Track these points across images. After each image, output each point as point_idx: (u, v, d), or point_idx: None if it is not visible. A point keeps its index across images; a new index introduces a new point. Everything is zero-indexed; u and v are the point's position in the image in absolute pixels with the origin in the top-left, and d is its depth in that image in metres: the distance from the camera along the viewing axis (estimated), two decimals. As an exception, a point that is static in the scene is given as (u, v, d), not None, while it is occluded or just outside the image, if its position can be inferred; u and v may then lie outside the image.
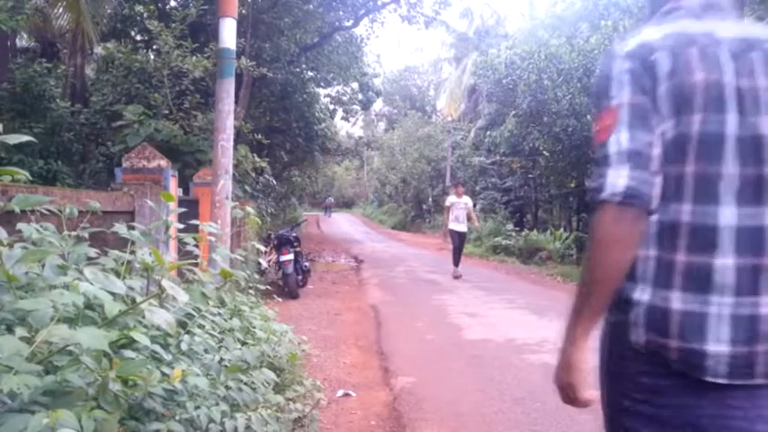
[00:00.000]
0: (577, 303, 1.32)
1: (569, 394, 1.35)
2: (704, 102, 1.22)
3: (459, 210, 10.98)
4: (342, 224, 35.75)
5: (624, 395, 1.33)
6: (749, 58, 1.26)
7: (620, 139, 1.24)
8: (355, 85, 20.45)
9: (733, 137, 1.22)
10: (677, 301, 1.23)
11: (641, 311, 1.27)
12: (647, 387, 1.28)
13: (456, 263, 11.04)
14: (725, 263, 1.22)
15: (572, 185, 16.17)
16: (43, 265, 1.70)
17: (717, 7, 1.34)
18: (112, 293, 1.54)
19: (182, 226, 2.52)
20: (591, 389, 1.33)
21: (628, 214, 1.22)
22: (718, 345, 1.20)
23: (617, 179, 1.22)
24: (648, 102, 1.24)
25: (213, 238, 2.69)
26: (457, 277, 10.74)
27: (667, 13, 1.37)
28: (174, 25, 8.90)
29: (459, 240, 11.10)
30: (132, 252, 1.99)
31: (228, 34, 4.37)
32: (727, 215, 1.22)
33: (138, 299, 1.71)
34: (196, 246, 2.42)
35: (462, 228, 11.05)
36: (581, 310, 1.31)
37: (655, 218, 1.26)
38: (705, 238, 1.22)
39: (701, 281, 1.23)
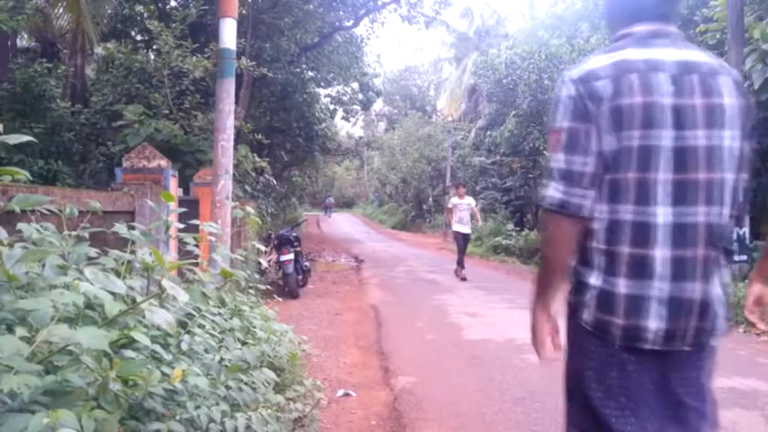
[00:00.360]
0: (536, 285, 1.67)
1: (537, 347, 1.70)
2: (642, 120, 1.45)
3: (463, 211, 10.88)
4: (342, 224, 35.75)
5: (582, 364, 1.60)
6: (688, 79, 1.49)
7: (559, 159, 1.52)
8: (355, 85, 20.45)
9: (668, 148, 1.46)
10: (623, 286, 1.50)
11: (594, 294, 1.54)
12: (597, 358, 1.56)
13: (461, 264, 10.96)
14: (663, 254, 1.48)
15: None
16: (43, 265, 1.70)
17: (663, 35, 1.55)
18: (113, 293, 1.54)
19: (182, 226, 2.52)
20: (548, 349, 1.69)
21: (562, 221, 1.53)
22: (657, 321, 1.48)
23: (554, 193, 1.52)
24: (586, 126, 1.49)
25: (213, 238, 2.69)
26: (463, 279, 10.66)
27: (620, 39, 1.59)
28: (174, 25, 8.90)
29: (463, 242, 11.02)
30: (132, 252, 1.99)
31: (229, 34, 4.37)
32: (663, 214, 1.47)
33: (139, 299, 1.71)
34: (196, 246, 2.42)
35: (466, 229, 10.98)
36: (538, 290, 1.66)
37: (605, 216, 1.52)
38: (645, 234, 1.48)
39: (642, 269, 1.49)
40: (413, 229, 30.14)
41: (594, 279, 1.54)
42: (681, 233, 1.48)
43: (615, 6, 1.67)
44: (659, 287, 1.48)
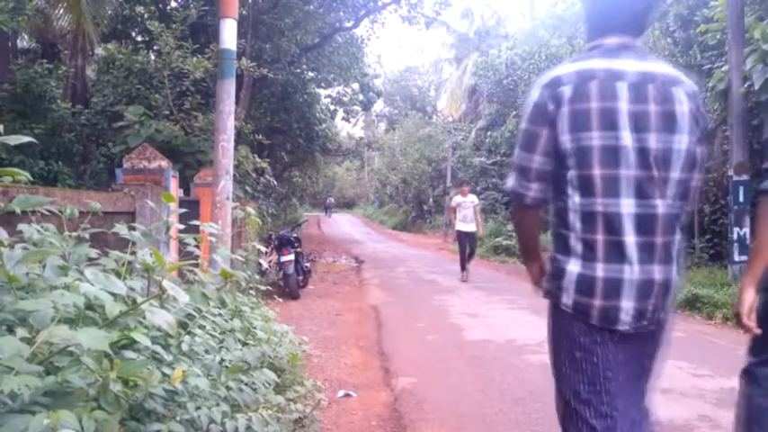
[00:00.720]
0: (521, 254, 2.06)
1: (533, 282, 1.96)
2: (600, 122, 1.64)
3: (467, 209, 10.70)
4: (342, 225, 35.75)
5: (560, 344, 1.79)
6: (646, 88, 1.67)
7: (516, 155, 1.78)
8: (356, 86, 20.45)
9: (629, 148, 1.64)
10: (600, 270, 1.67)
11: (573, 279, 1.71)
12: (573, 338, 1.73)
13: (463, 266, 10.80)
14: (631, 240, 1.65)
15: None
16: (44, 266, 1.70)
17: (629, 48, 1.73)
18: (113, 294, 1.54)
19: (182, 226, 2.52)
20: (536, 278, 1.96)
21: (518, 207, 1.86)
22: (628, 301, 1.66)
23: (510, 182, 1.81)
24: (540, 129, 1.71)
25: (214, 239, 2.69)
26: (464, 281, 10.59)
27: (592, 49, 1.78)
28: (174, 26, 8.90)
29: (468, 241, 10.78)
30: (133, 253, 1.99)
31: (229, 35, 4.37)
32: (628, 205, 1.65)
33: (139, 299, 1.71)
34: (197, 246, 2.42)
35: (471, 227, 10.74)
36: (523, 256, 2.03)
37: (578, 208, 1.69)
38: (617, 222, 1.65)
39: (617, 254, 1.66)
40: (413, 230, 30.13)
41: (573, 265, 1.71)
42: (644, 222, 1.67)
43: (591, 21, 1.84)
44: (630, 270, 1.66)
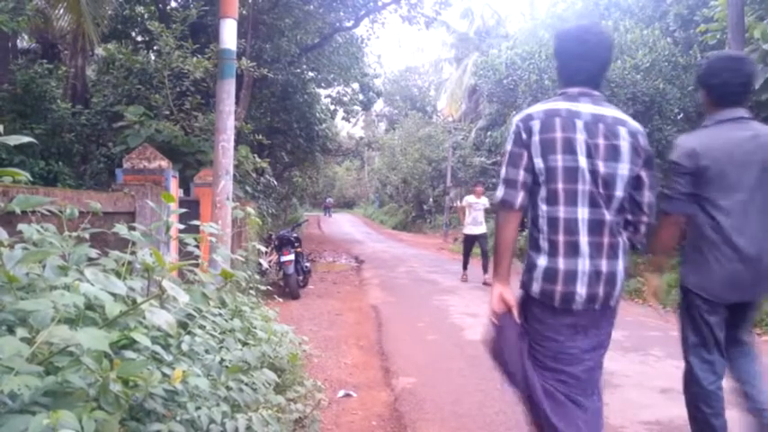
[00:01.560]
0: (494, 261, 2.32)
1: (493, 310, 2.28)
2: (562, 148, 2.12)
3: (478, 211, 10.50)
4: (343, 225, 35.75)
5: (530, 324, 2.26)
6: (596, 125, 2.16)
7: (504, 172, 2.22)
8: (356, 86, 20.43)
9: (584, 168, 2.11)
10: (562, 263, 2.14)
11: (541, 271, 2.17)
12: (539, 319, 2.23)
13: (465, 266, 10.69)
14: (584, 240, 2.13)
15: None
16: (44, 266, 1.70)
17: (587, 95, 2.23)
18: (113, 294, 1.54)
19: (182, 226, 2.52)
20: (497, 306, 2.27)
21: (504, 212, 2.22)
22: (581, 288, 2.13)
23: (499, 192, 2.23)
24: (521, 151, 2.17)
25: (214, 239, 2.69)
26: (465, 281, 10.56)
27: (558, 95, 2.28)
28: (174, 26, 8.90)
29: (478, 243, 10.56)
30: (133, 253, 1.99)
31: (229, 35, 4.37)
32: (582, 213, 2.13)
33: (139, 299, 1.71)
34: (197, 246, 2.42)
35: (481, 229, 10.55)
36: (495, 267, 2.31)
37: (546, 215, 2.16)
38: (573, 226, 2.13)
39: (574, 250, 2.13)
40: (413, 230, 30.13)
41: (541, 260, 2.18)
42: (594, 226, 2.14)
43: (560, 75, 2.35)
44: (583, 263, 2.13)
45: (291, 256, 8.67)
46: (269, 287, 5.35)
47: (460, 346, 5.64)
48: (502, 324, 2.27)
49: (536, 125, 2.16)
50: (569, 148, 2.12)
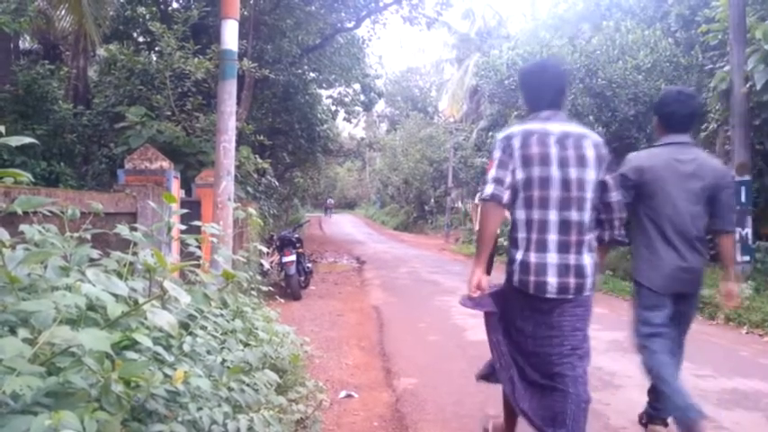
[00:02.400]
0: (476, 252, 2.70)
1: (469, 290, 2.67)
2: (538, 162, 2.54)
3: None
4: (344, 225, 35.75)
5: (512, 310, 2.72)
6: (566, 140, 2.58)
7: (493, 173, 2.57)
8: (357, 87, 20.43)
9: (557, 178, 2.53)
10: (533, 257, 2.56)
11: (518, 264, 2.59)
12: (518, 305, 2.68)
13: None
14: (553, 238, 2.54)
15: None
16: (46, 267, 1.70)
17: (555, 116, 2.66)
18: (115, 295, 1.54)
19: (184, 227, 2.52)
20: (473, 289, 2.65)
21: (491, 206, 2.55)
22: (552, 278, 2.53)
23: (489, 189, 2.55)
24: (507, 158, 2.57)
25: (215, 240, 2.69)
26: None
27: (532, 119, 2.70)
28: (176, 27, 8.91)
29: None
30: (134, 253, 1.99)
31: (230, 36, 4.37)
32: (553, 215, 2.54)
33: (141, 300, 1.70)
34: (198, 247, 2.42)
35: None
36: (477, 254, 2.69)
37: (523, 218, 2.58)
38: (544, 227, 2.55)
39: (543, 247, 2.55)
40: (415, 231, 30.13)
41: (518, 255, 2.60)
42: (564, 226, 2.54)
43: (527, 102, 2.83)
44: (552, 257, 2.54)
45: (293, 257, 8.67)
46: (270, 288, 5.35)
47: (462, 347, 5.64)
48: (480, 304, 2.72)
49: (516, 142, 2.58)
50: (544, 160, 2.54)
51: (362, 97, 21.22)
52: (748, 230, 8.12)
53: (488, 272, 2.73)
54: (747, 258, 8.09)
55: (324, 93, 19.24)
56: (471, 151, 23.50)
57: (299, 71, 14.51)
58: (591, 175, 2.57)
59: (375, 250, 18.66)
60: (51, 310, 1.38)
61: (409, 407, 3.95)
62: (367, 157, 42.82)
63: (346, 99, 20.54)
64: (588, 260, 2.56)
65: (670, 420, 3.14)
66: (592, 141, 2.62)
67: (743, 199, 8.18)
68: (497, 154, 2.60)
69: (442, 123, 31.70)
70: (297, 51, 13.30)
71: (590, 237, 2.60)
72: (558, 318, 2.59)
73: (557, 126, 2.61)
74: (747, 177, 8.24)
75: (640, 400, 4.04)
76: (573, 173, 2.53)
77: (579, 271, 2.53)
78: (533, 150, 2.54)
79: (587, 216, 2.57)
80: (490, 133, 19.32)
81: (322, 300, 8.73)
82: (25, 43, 14.14)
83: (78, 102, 11.39)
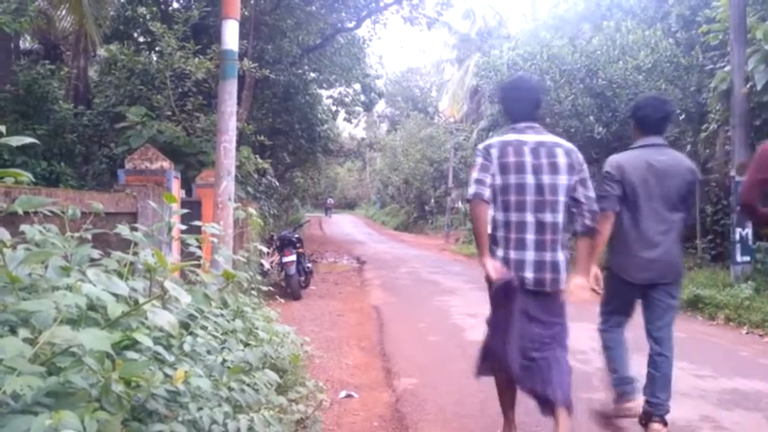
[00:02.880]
0: (477, 246, 2.97)
1: (492, 274, 2.85)
2: (515, 170, 2.84)
3: None
4: (344, 225, 35.74)
5: (496, 296, 2.94)
6: (540, 149, 2.87)
7: (475, 175, 2.89)
8: (357, 87, 20.43)
9: (532, 184, 2.83)
10: (512, 254, 2.86)
11: (500, 260, 2.87)
12: (503, 295, 2.86)
13: None
14: (530, 237, 2.85)
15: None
16: (46, 267, 1.70)
17: (531, 128, 2.96)
18: (115, 295, 1.54)
19: (184, 227, 2.52)
20: (496, 271, 2.84)
21: (475, 203, 2.85)
22: (530, 273, 2.84)
23: (473, 188, 2.87)
24: (488, 164, 2.87)
25: (216, 240, 2.69)
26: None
27: (509, 130, 3.02)
28: (176, 27, 8.91)
29: None
30: (135, 253, 1.99)
31: (231, 36, 4.37)
32: (529, 217, 2.84)
33: (141, 300, 1.70)
34: (199, 247, 2.42)
35: None
36: (478, 248, 2.94)
37: (502, 219, 2.88)
38: (522, 227, 2.85)
39: (521, 245, 2.86)
40: (415, 231, 30.13)
41: (500, 252, 2.90)
42: (539, 227, 2.85)
43: (506, 115, 3.19)
44: (530, 254, 2.85)
45: (293, 257, 8.67)
46: (270, 288, 5.35)
47: (462, 347, 5.63)
48: (506, 275, 2.85)
49: (495, 152, 2.89)
50: (520, 169, 2.84)
51: (363, 97, 21.23)
52: (748, 231, 8.12)
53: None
54: (748, 258, 8.09)
55: (324, 93, 19.26)
56: (472, 151, 23.44)
57: (300, 71, 14.52)
58: (563, 181, 2.85)
59: (375, 250, 18.66)
60: (52, 309, 1.38)
61: (409, 407, 3.95)
62: (367, 157, 42.81)
63: (347, 99, 20.55)
64: (562, 257, 2.87)
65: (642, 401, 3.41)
66: (564, 150, 2.90)
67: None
68: (479, 160, 2.93)
69: (442, 123, 31.70)
70: (297, 51, 13.30)
71: (564, 236, 2.91)
72: (536, 310, 2.88)
73: (531, 137, 2.91)
74: (748, 178, 8.22)
75: (641, 402, 4.04)
76: (546, 179, 2.83)
77: (554, 267, 2.85)
78: (510, 159, 2.84)
79: (560, 217, 2.87)
80: (491, 133, 19.29)
81: (322, 300, 8.73)
82: (26, 43, 14.14)
83: (79, 102, 11.39)
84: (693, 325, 6.85)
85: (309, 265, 9.83)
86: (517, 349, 2.89)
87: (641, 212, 3.26)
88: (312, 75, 16.10)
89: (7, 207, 1.74)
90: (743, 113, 8.22)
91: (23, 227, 1.84)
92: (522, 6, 68.77)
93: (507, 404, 3.22)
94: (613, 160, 3.39)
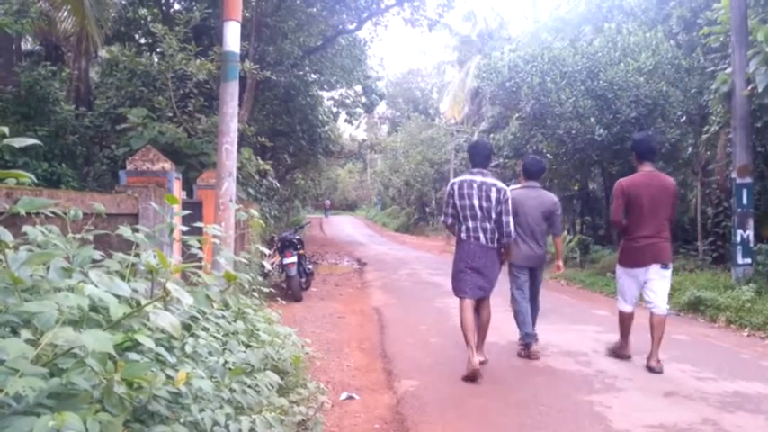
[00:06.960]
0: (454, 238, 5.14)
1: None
2: (467, 198, 4.78)
3: None
4: (345, 227, 35.75)
5: (463, 256, 4.93)
6: (482, 186, 4.77)
7: (444, 207, 5.11)
8: (358, 88, 20.47)
9: (476, 207, 4.77)
10: (471, 231, 4.84)
11: (463, 232, 4.89)
12: (465, 252, 4.93)
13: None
14: (480, 236, 4.82)
15: (575, 188, 16.11)
16: (48, 268, 1.70)
17: (479, 172, 4.85)
18: (117, 296, 1.54)
19: (186, 228, 2.53)
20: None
21: (447, 225, 5.14)
22: (481, 236, 4.85)
23: (443, 218, 5.21)
24: (450, 198, 4.91)
25: (217, 241, 2.70)
26: None
27: (467, 172, 4.99)
28: (178, 28, 8.92)
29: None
30: (137, 255, 1.99)
31: (232, 37, 4.38)
32: (476, 224, 4.80)
33: (143, 301, 1.71)
34: (200, 248, 2.42)
35: None
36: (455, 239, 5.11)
37: (463, 225, 4.83)
38: (469, 231, 4.82)
39: (474, 239, 4.83)
40: (416, 232, 30.13)
41: (463, 231, 4.83)
42: (482, 229, 4.77)
43: (470, 161, 5.03)
44: (476, 243, 4.80)
45: (294, 259, 8.67)
46: (272, 289, 5.35)
47: (463, 349, 5.62)
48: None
49: (455, 188, 4.82)
50: (470, 198, 4.74)
51: (364, 99, 21.26)
52: (750, 233, 8.12)
53: (501, 261, 4.97)
54: (749, 261, 8.08)
55: (325, 94, 19.28)
56: (472, 153, 23.45)
57: (301, 73, 14.53)
58: (493, 207, 4.71)
59: (376, 252, 18.66)
60: (54, 311, 1.38)
61: (410, 409, 3.95)
62: (368, 158, 42.87)
63: (347, 101, 20.57)
64: (495, 238, 4.78)
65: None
66: (495, 188, 4.73)
67: (744, 201, 8.18)
68: (446, 196, 4.95)
69: (443, 125, 31.69)
70: (298, 53, 13.32)
71: (495, 235, 4.78)
72: (484, 259, 4.77)
73: (479, 178, 4.77)
74: (749, 180, 8.23)
75: (642, 403, 4.04)
76: (484, 204, 4.72)
77: (492, 237, 4.78)
78: (464, 191, 4.76)
79: (491, 225, 4.75)
80: (492, 135, 19.32)
81: (323, 301, 8.73)
82: (27, 45, 14.16)
83: (80, 103, 11.40)
84: (695, 327, 6.84)
85: (310, 266, 9.83)
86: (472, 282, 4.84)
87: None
88: (313, 76, 16.11)
89: (9, 208, 1.74)
90: (744, 115, 8.23)
91: (26, 228, 1.84)
92: (523, 8, 68.75)
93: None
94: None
